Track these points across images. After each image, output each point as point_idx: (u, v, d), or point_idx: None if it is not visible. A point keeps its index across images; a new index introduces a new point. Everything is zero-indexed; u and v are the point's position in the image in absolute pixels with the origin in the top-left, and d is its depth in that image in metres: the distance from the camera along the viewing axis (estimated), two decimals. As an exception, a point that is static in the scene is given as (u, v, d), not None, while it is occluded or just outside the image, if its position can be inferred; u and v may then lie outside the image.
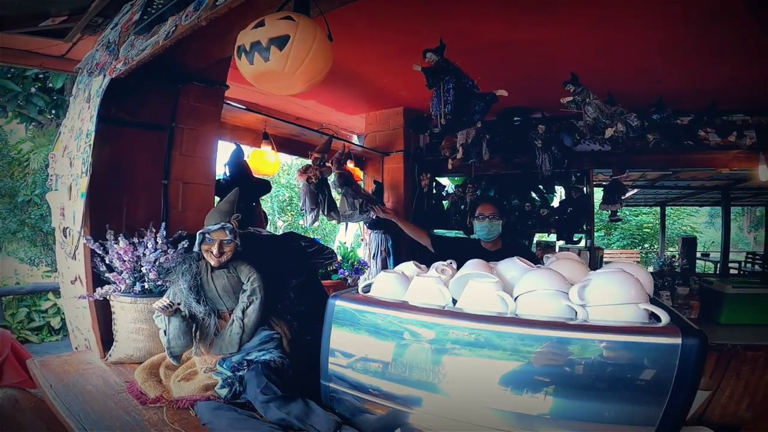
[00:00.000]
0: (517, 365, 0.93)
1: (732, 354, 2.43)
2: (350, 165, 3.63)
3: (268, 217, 3.04)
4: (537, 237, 4.32)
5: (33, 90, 4.20)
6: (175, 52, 1.53)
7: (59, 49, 2.09)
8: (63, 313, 4.78)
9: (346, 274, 2.97)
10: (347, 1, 1.34)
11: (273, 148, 2.83)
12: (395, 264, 3.72)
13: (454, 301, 1.11)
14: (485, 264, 1.22)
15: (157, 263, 1.56)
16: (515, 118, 3.60)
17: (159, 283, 1.56)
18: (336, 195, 3.09)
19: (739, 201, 6.34)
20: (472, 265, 1.19)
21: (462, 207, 4.08)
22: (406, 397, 1.05)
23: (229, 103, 2.31)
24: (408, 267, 1.36)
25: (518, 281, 1.09)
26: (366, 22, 2.18)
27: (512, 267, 1.21)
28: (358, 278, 3.16)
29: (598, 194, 3.77)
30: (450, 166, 2.93)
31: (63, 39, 1.89)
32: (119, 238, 1.58)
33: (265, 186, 2.55)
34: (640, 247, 9.97)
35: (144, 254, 1.59)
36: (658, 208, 7.23)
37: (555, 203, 4.03)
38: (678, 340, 0.82)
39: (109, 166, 1.74)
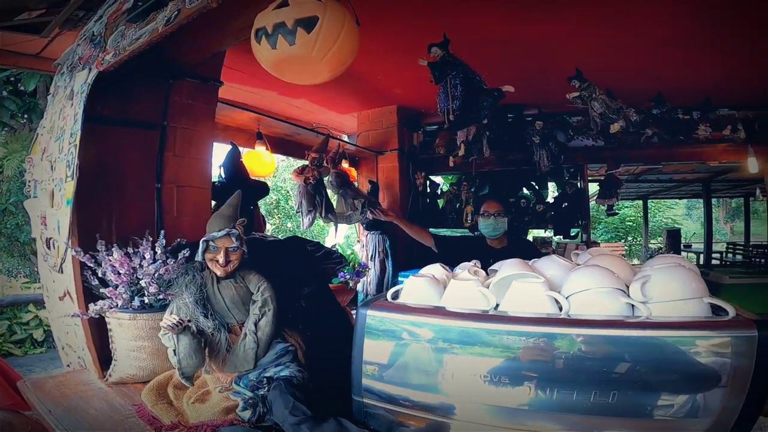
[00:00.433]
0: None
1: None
2: (345, 165, 3.53)
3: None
4: (531, 233, 4.32)
5: (4, 94, 3.93)
6: (168, 44, 1.40)
7: (34, 46, 1.91)
8: (45, 325, 4.54)
9: (347, 277, 2.87)
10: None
11: (267, 149, 2.70)
12: (394, 265, 3.64)
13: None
14: (525, 263, 1.14)
15: (157, 275, 1.42)
16: (509, 115, 3.58)
17: (160, 296, 1.42)
18: (332, 196, 2.98)
19: (718, 193, 6.55)
20: (513, 266, 1.12)
21: (457, 205, 4.04)
22: (448, 406, 0.98)
23: (221, 101, 2.17)
24: (436, 269, 1.27)
25: (566, 280, 1.02)
26: (360, 17, 2.08)
27: (553, 265, 1.14)
28: (359, 281, 3.05)
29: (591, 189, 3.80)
30: (451, 164, 2.88)
31: (39, 35, 1.72)
32: (113, 249, 1.43)
33: (263, 188, 2.42)
34: (623, 240, 10.22)
35: (141, 265, 1.45)
36: (640, 202, 7.41)
37: (549, 199, 4.03)
38: (754, 332, 0.80)
39: (96, 168, 1.58)
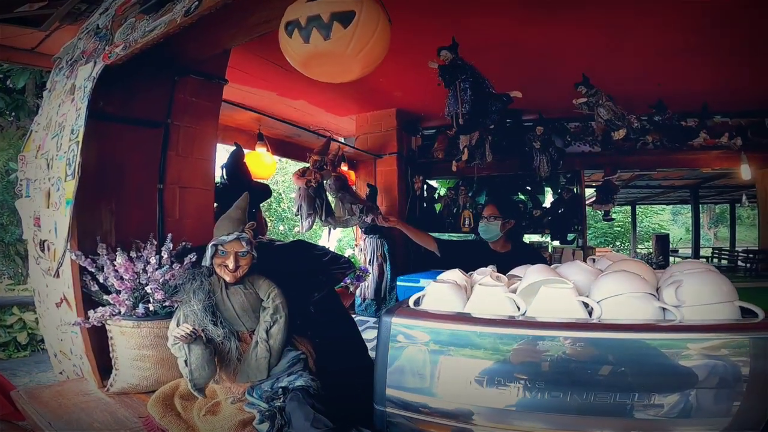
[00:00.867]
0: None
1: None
2: (344, 168, 3.49)
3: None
4: (527, 237, 4.34)
5: (-8, 90, 3.78)
6: (175, 38, 1.35)
7: (30, 40, 1.83)
8: (29, 329, 4.36)
9: (348, 282, 2.82)
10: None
11: (268, 150, 2.64)
12: (392, 269, 3.61)
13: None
14: (550, 269, 1.12)
15: (162, 281, 1.35)
16: (507, 120, 3.60)
17: (166, 304, 1.35)
18: (331, 199, 2.93)
19: (705, 199, 6.71)
20: (539, 272, 1.09)
21: (455, 210, 4.03)
22: (467, 412, 0.95)
23: (223, 101, 2.11)
24: (456, 275, 1.24)
25: (595, 285, 1.01)
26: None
27: (578, 271, 1.12)
28: (359, 285, 3.01)
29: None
30: (454, 168, 2.87)
31: (38, 28, 1.64)
32: (116, 253, 1.36)
33: (265, 191, 2.36)
34: (611, 245, 10.39)
35: (145, 270, 1.38)
36: (628, 207, 7.54)
37: (545, 204, 4.06)
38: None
39: (95, 167, 1.51)
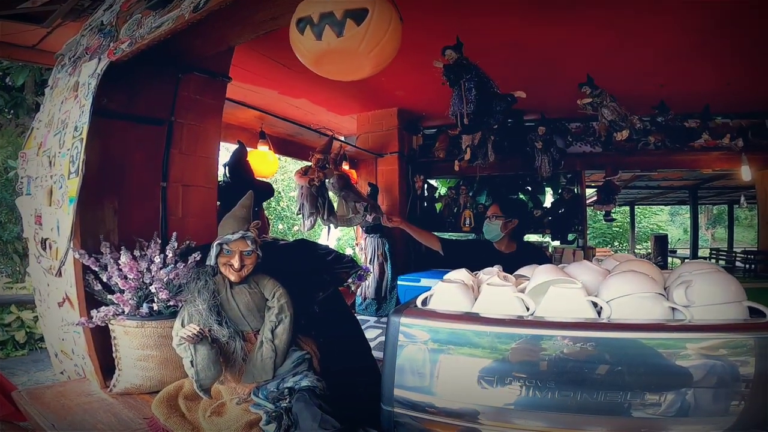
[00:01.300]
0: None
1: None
2: (345, 167, 3.48)
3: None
4: (527, 237, 4.34)
5: (-9, 88, 3.75)
6: (179, 34, 1.33)
7: (32, 37, 1.81)
8: (27, 327, 4.34)
9: (350, 281, 2.81)
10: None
11: (270, 148, 2.63)
12: (393, 269, 3.60)
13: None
14: (558, 269, 1.12)
15: (167, 280, 1.34)
16: (509, 120, 3.59)
17: (170, 303, 1.34)
18: (333, 198, 2.92)
19: (703, 200, 6.73)
20: (547, 271, 1.09)
21: (455, 209, 4.03)
22: (473, 412, 0.95)
23: (227, 99, 2.10)
24: (463, 275, 1.24)
25: (604, 285, 1.01)
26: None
27: (586, 271, 1.12)
28: (360, 285, 3.00)
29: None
30: (457, 168, 2.86)
31: (40, 24, 1.62)
32: (120, 252, 1.35)
33: (267, 189, 2.35)
34: (609, 246, 10.43)
35: (149, 269, 1.37)
36: (627, 208, 7.57)
37: (546, 204, 4.06)
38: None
39: (98, 165, 1.49)
